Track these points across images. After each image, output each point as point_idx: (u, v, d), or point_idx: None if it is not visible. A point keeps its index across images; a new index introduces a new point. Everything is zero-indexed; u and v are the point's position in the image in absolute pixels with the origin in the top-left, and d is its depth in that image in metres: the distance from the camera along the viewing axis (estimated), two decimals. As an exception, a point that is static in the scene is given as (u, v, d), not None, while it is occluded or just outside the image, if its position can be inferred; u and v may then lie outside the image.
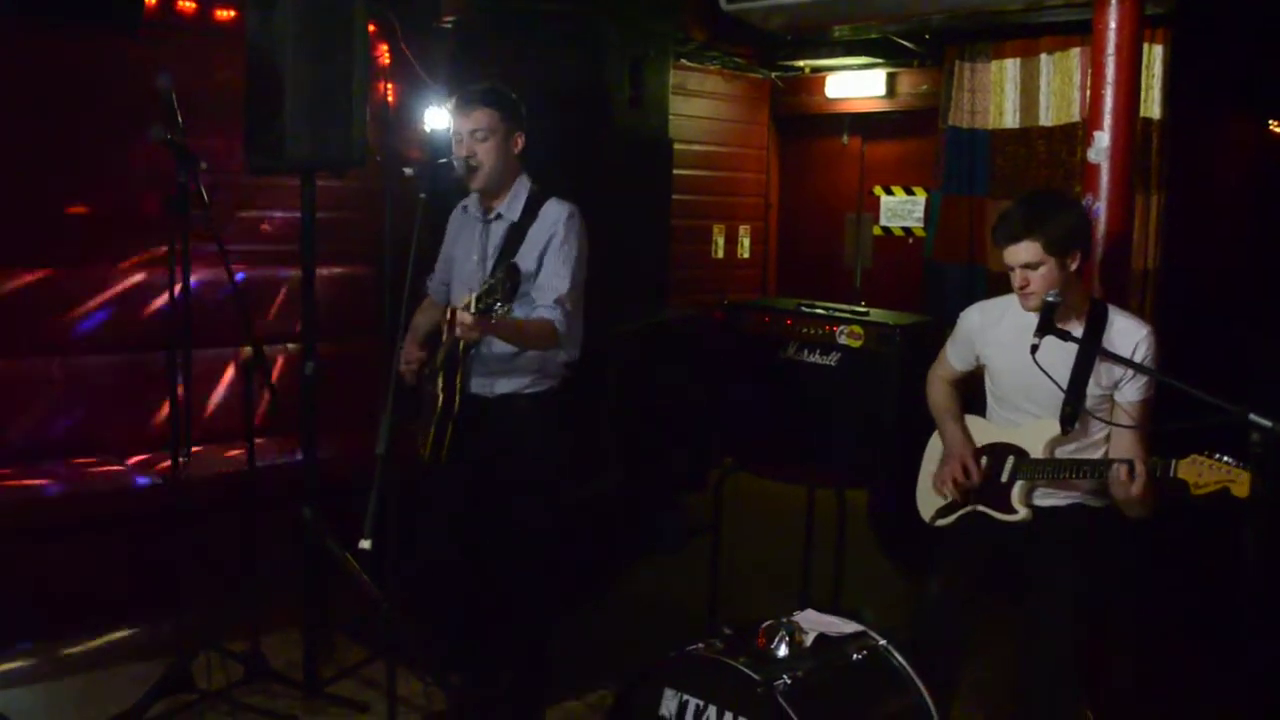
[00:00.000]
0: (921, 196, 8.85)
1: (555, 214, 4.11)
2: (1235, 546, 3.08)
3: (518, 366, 4.14)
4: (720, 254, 9.34)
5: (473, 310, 3.62)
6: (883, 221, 9.22)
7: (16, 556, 4.74)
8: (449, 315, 3.86)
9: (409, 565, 4.24)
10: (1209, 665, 4.65)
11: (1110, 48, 4.34)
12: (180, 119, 4.14)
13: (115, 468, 5.34)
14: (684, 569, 5.84)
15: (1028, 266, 3.58)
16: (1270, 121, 7.07)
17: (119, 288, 5.76)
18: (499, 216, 4.17)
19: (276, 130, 4.20)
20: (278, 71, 4.18)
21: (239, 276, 6.01)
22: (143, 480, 5.22)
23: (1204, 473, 3.24)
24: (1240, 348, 6.04)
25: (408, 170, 3.80)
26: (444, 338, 4.14)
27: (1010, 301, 3.75)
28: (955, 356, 4.04)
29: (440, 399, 4.12)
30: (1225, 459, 3.20)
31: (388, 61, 5.88)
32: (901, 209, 9.14)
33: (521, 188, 4.17)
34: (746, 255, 9.57)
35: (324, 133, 4.23)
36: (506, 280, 3.58)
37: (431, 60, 6.08)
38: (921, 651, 3.50)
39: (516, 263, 3.70)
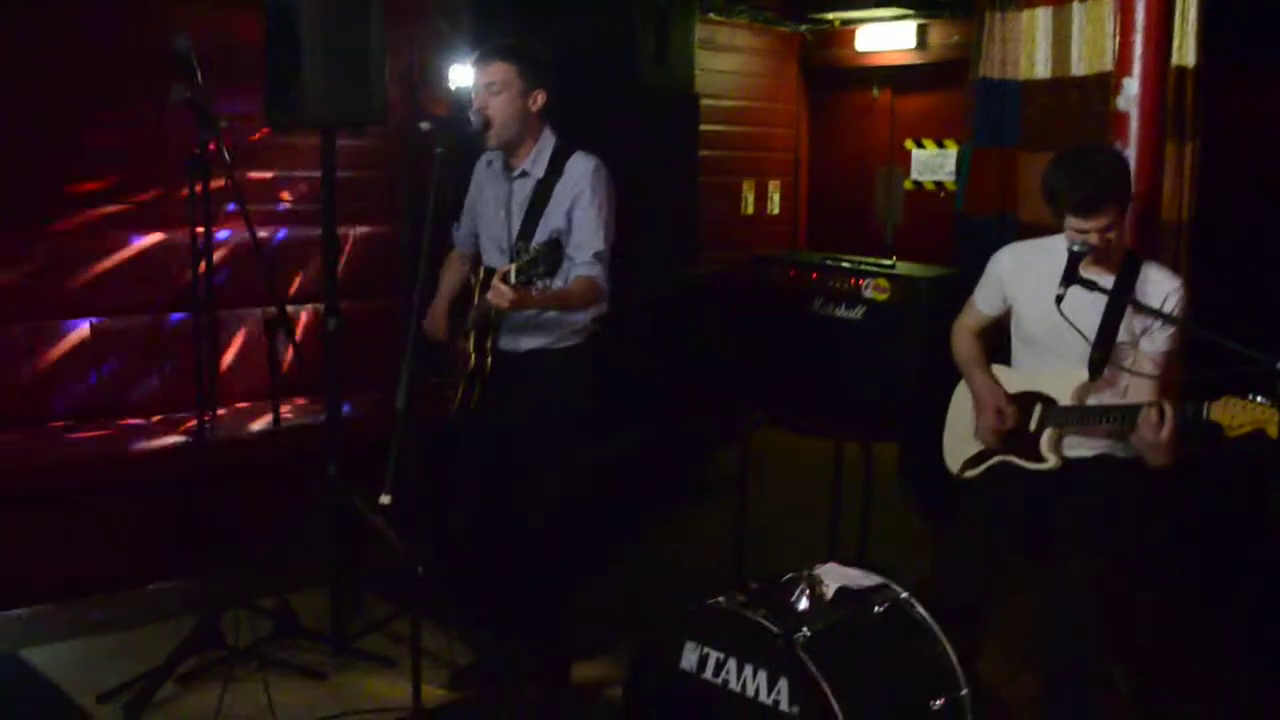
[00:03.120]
0: (953, 150, 8.74)
1: (581, 169, 4.05)
2: (1265, 497, 3.05)
3: (544, 323, 4.11)
4: (750, 210, 9.28)
5: (512, 281, 3.58)
6: (914, 175, 9.13)
7: (49, 517, 4.79)
8: (482, 276, 3.81)
9: (436, 519, 4.26)
10: (1240, 618, 4.62)
11: (1140, -8, 4.29)
12: (200, 77, 4.13)
13: (143, 429, 5.36)
14: (711, 525, 5.82)
15: (1107, 229, 3.52)
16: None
17: (145, 247, 5.76)
18: (524, 174, 4.12)
19: (296, 88, 4.19)
20: (296, 28, 4.16)
21: (280, 234, 6.10)
22: (171, 440, 5.24)
23: (1237, 414, 3.19)
24: (1273, 301, 5.94)
25: (423, 125, 3.77)
26: (475, 299, 4.12)
27: (1044, 247, 3.70)
28: (983, 301, 4.00)
29: (472, 358, 4.11)
30: (1259, 399, 3.15)
31: (409, 17, 5.82)
32: (933, 162, 9.04)
33: (546, 144, 4.12)
34: (777, 211, 9.51)
35: (343, 90, 4.22)
36: (549, 254, 3.54)
37: (455, 14, 6.03)
38: (946, 603, 3.49)
39: (559, 239, 3.64)
